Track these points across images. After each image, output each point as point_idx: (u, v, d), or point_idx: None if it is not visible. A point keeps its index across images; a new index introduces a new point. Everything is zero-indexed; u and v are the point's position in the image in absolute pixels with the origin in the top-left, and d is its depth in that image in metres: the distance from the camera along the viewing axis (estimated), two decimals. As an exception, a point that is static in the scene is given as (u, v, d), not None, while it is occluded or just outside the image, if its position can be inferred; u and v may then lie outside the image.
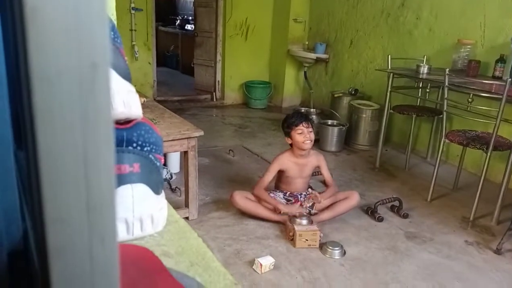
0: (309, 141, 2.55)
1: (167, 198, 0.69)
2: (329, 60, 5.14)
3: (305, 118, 2.61)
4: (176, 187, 2.94)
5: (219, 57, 5.61)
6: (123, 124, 0.58)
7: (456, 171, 3.22)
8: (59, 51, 0.22)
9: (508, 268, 2.26)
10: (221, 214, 2.66)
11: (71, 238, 0.24)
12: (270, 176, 2.60)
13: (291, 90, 5.64)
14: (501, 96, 2.49)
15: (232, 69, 5.61)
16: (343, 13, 4.87)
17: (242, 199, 2.57)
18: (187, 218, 2.54)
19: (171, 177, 3.07)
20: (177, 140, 2.35)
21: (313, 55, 5.13)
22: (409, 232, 2.58)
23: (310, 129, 2.56)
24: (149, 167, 0.59)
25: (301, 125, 2.53)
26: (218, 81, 5.70)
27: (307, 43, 5.39)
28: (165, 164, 3.17)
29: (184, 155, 2.46)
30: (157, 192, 0.61)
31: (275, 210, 2.53)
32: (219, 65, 5.64)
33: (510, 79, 2.49)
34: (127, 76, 0.59)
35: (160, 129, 2.29)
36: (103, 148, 0.24)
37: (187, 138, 2.37)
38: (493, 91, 2.69)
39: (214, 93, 5.72)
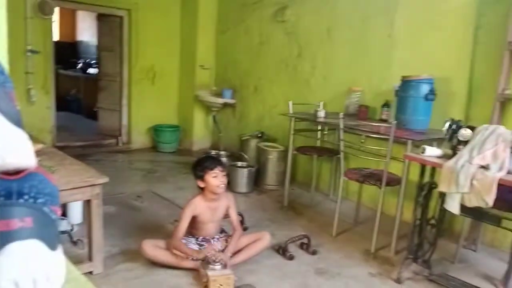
0: (223, 185, 2.56)
1: (68, 252, 0.64)
2: (236, 104, 5.31)
3: (220, 162, 2.64)
4: (78, 239, 2.71)
5: (124, 101, 5.47)
6: (13, 174, 0.54)
7: (355, 206, 3.47)
8: None
9: (406, 295, 2.44)
10: (129, 266, 2.50)
11: None
12: (185, 224, 2.52)
13: (200, 133, 5.68)
14: (388, 137, 2.79)
15: (139, 113, 5.50)
16: (247, 61, 5.12)
17: (152, 248, 2.46)
18: (91, 272, 2.34)
19: (72, 228, 2.84)
20: (78, 188, 2.20)
21: (220, 100, 5.26)
22: (318, 268, 2.67)
23: (224, 173, 2.58)
24: (43, 220, 0.55)
25: (216, 169, 2.54)
26: (124, 125, 5.53)
27: (214, 88, 5.52)
28: (65, 215, 2.92)
29: (87, 204, 2.31)
30: (53, 247, 0.56)
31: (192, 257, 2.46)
32: (124, 109, 5.50)
33: (395, 122, 2.81)
34: (18, 122, 0.55)
35: (60, 177, 2.16)
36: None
37: (90, 185, 2.24)
38: (381, 132, 3.00)
39: (120, 137, 5.52)
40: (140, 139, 5.58)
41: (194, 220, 2.59)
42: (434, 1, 3.35)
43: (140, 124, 5.55)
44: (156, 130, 5.50)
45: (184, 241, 2.56)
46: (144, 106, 5.49)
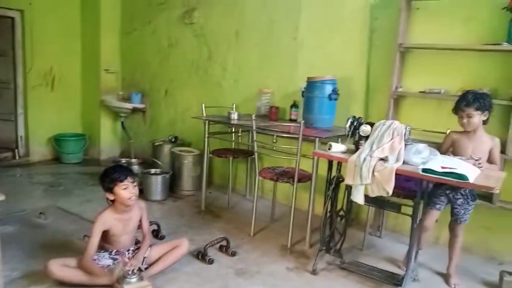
0: (134, 197, 2.44)
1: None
2: (146, 109, 5.14)
3: (130, 172, 2.48)
4: (-30, 267, 2.41)
5: (20, 110, 4.99)
6: None
7: (271, 204, 3.56)
8: None
9: (323, 286, 2.56)
10: (34, 290, 2.29)
11: None
12: (96, 240, 2.36)
13: (108, 141, 5.39)
14: (298, 136, 2.91)
15: (37, 122, 5.05)
16: (156, 64, 4.99)
17: (60, 268, 2.27)
18: (-13, 303, 2.10)
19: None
20: (-33, 211, 1.96)
21: (129, 105, 5.04)
22: (238, 269, 2.69)
23: (135, 184, 2.46)
24: None
25: (126, 180, 2.39)
26: (21, 136, 5.05)
27: (121, 93, 5.28)
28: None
29: (-21, 227, 2.06)
30: None
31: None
32: (20, 119, 5.01)
33: (303, 121, 2.94)
34: None
35: None
36: None
37: (-18, 206, 2.00)
38: (291, 132, 3.11)
39: (16, 150, 5.02)
40: (40, 151, 5.13)
41: (106, 234, 2.45)
42: (334, 5, 3.57)
43: (40, 134, 5.10)
44: (57, 140, 5.10)
45: (96, 256, 2.41)
46: (44, 114, 5.06)
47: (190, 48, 4.62)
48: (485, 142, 2.53)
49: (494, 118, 2.93)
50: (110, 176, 2.40)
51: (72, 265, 2.32)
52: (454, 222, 2.64)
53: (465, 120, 2.50)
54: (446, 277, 2.71)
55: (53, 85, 5.12)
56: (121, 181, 2.38)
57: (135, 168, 4.15)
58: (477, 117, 2.48)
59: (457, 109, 2.54)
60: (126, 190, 2.39)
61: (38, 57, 4.91)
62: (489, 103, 2.49)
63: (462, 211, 2.57)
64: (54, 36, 5.01)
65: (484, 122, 2.53)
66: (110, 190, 2.40)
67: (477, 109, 2.46)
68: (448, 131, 2.73)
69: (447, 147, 2.65)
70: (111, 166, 2.56)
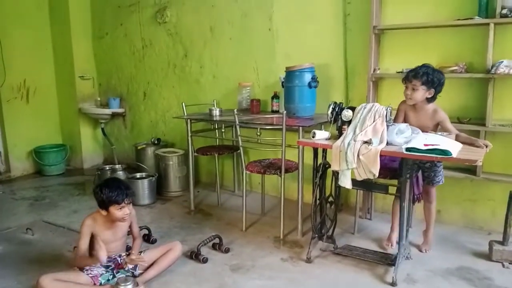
0: (127, 216, 2.40)
1: None
2: (126, 113, 5.07)
3: (127, 191, 2.38)
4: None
5: (-4, 126, 4.87)
6: None
7: (260, 197, 3.56)
8: None
9: (319, 273, 2.57)
10: (27, 307, 2.25)
11: None
12: (85, 241, 2.37)
13: (90, 149, 5.30)
14: (281, 127, 2.90)
15: (15, 136, 4.92)
16: (132, 67, 4.91)
17: (52, 282, 2.22)
18: (-21, 326, 2.05)
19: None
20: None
21: (108, 111, 4.97)
22: (233, 265, 2.68)
23: (130, 202, 2.41)
24: None
25: (123, 202, 2.35)
26: (0, 152, 4.92)
27: (99, 99, 5.19)
28: None
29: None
30: None
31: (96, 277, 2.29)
32: (-3, 134, 4.89)
33: (285, 112, 2.93)
34: None
35: None
36: None
37: (-36, 227, 1.94)
38: (274, 123, 3.11)
39: (-4, 167, 4.90)
40: (20, 165, 5.00)
41: (95, 240, 2.42)
42: (305, -7, 3.56)
43: (19, 148, 4.97)
44: (38, 153, 4.99)
45: (87, 267, 2.37)
46: (21, 127, 4.93)
47: (165, 48, 4.56)
48: (429, 116, 2.58)
49: (470, 91, 3.01)
50: (107, 195, 2.33)
51: (64, 278, 2.29)
52: (427, 185, 2.73)
53: (408, 92, 2.55)
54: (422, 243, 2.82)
55: (28, 97, 4.99)
56: (118, 203, 2.34)
57: (120, 174, 4.09)
58: (421, 92, 2.51)
59: (405, 79, 2.57)
60: (121, 210, 2.36)
61: (10, 70, 4.77)
62: (438, 81, 2.49)
63: (432, 174, 2.67)
64: (25, 47, 4.87)
65: (429, 100, 2.55)
66: (105, 208, 2.36)
67: (423, 84, 2.49)
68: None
69: (402, 117, 2.69)
70: (109, 183, 2.41)
